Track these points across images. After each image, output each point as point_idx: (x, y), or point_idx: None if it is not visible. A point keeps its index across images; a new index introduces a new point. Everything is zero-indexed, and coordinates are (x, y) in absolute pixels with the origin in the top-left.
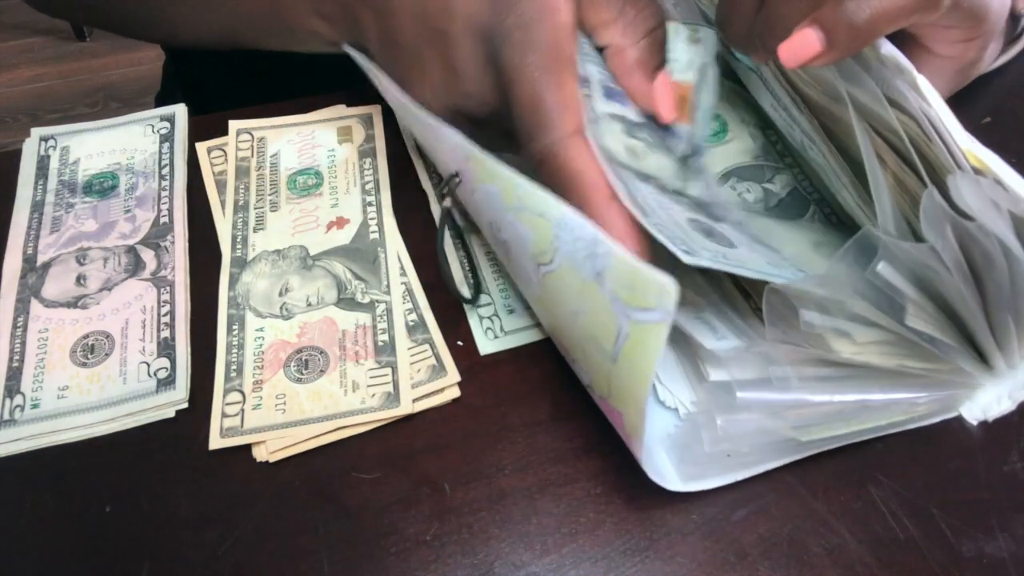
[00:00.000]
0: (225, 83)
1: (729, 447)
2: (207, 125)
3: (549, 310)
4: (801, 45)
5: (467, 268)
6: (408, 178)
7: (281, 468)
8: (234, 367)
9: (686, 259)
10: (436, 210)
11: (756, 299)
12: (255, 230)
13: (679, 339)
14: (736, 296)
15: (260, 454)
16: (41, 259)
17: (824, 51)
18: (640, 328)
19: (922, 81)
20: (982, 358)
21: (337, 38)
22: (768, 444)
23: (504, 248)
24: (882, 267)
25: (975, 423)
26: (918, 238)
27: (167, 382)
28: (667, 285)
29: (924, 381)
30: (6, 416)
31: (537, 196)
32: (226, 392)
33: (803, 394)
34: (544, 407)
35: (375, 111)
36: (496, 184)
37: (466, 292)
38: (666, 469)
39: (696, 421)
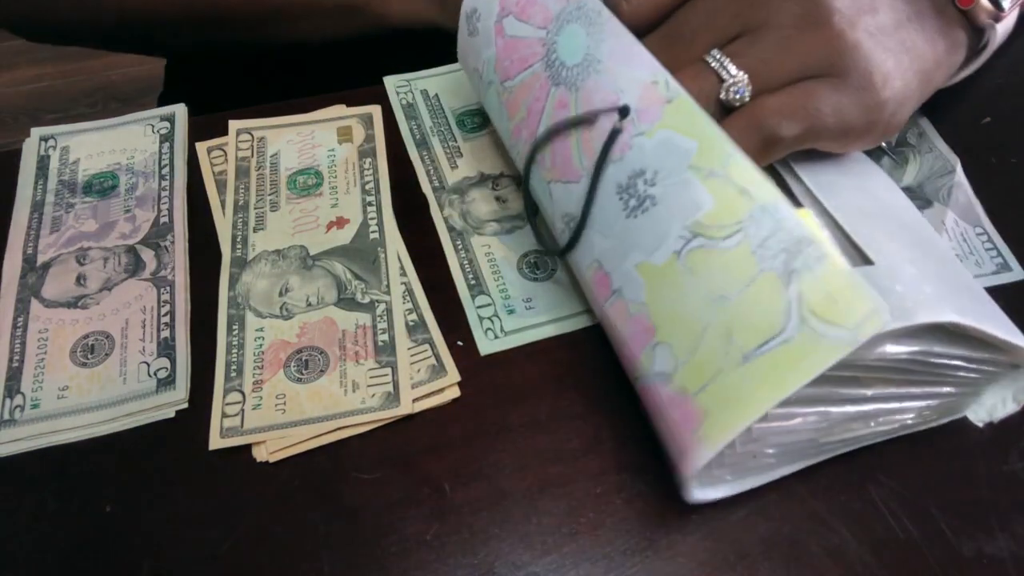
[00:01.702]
0: (226, 83)
1: (756, 448)
2: (207, 125)
3: (665, 283)
4: None
5: (467, 268)
6: (408, 178)
7: (281, 468)
8: (234, 367)
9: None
10: (436, 211)
11: None
12: (255, 230)
13: None
14: None
15: (260, 454)
16: (41, 259)
17: None
18: (812, 340)
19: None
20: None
21: None
22: (791, 446)
23: (637, 201)
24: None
25: (981, 425)
26: None
27: (167, 382)
28: (880, 312)
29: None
30: (6, 416)
31: (750, 172)
32: (226, 392)
33: (827, 407)
34: (544, 407)
35: (375, 111)
36: (695, 139)
37: (467, 298)
38: (684, 478)
39: None
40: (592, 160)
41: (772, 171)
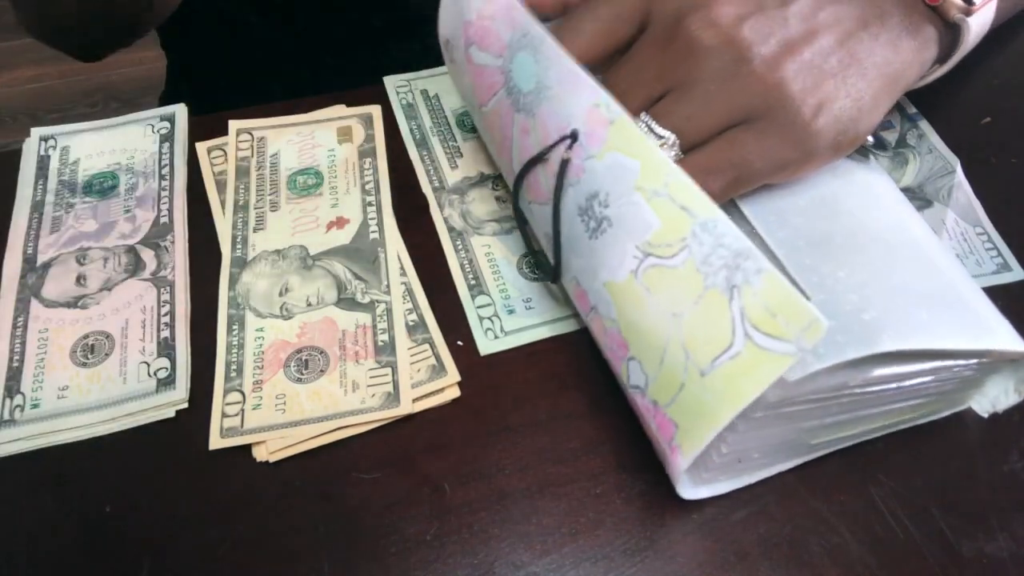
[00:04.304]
0: (226, 83)
1: (741, 452)
2: (207, 125)
3: (629, 301)
4: None
5: (467, 269)
6: (408, 178)
7: (281, 468)
8: (234, 367)
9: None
10: (436, 211)
11: None
12: (255, 230)
13: None
14: None
15: (260, 454)
16: (41, 259)
17: None
18: (759, 354)
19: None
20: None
21: None
22: (779, 447)
23: (596, 223)
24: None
25: (986, 416)
26: None
27: (167, 382)
28: (820, 321)
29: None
30: (6, 416)
31: (690, 190)
32: (226, 392)
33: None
34: (544, 407)
35: (375, 111)
36: (637, 160)
37: (467, 299)
38: (682, 480)
39: None
40: (553, 185)
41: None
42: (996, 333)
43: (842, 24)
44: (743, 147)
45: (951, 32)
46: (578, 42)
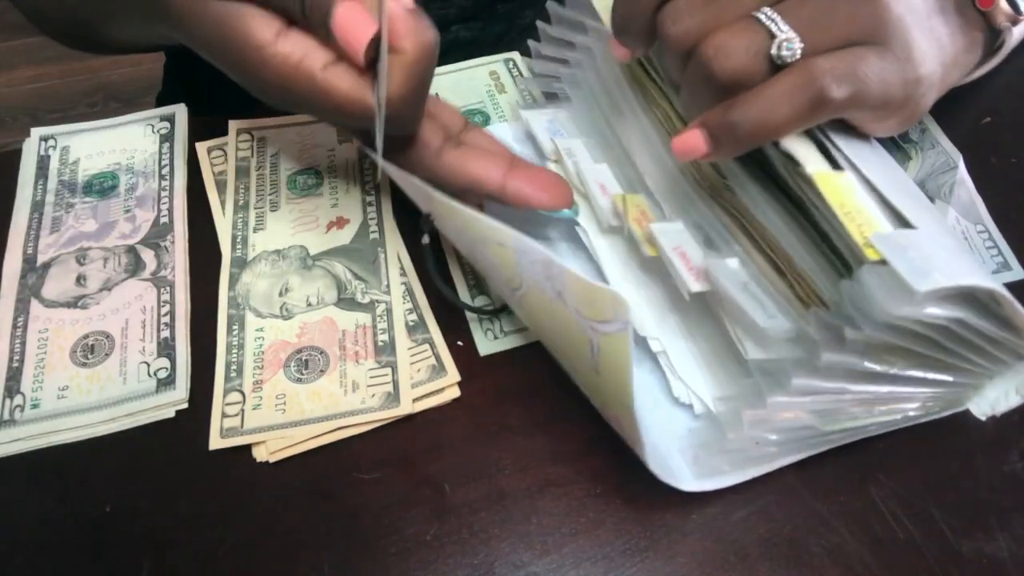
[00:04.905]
0: (226, 83)
1: (758, 434)
2: (207, 125)
3: (535, 328)
4: (689, 143)
5: (468, 269)
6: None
7: (281, 468)
8: (234, 367)
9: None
10: None
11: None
12: (255, 230)
13: (703, 321)
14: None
15: (260, 454)
16: (41, 259)
17: (709, 152)
18: (607, 339)
19: (816, 175)
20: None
21: None
22: (793, 433)
23: (486, 274)
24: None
25: (983, 418)
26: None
27: (167, 382)
28: (618, 297)
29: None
30: (6, 416)
31: (493, 227)
32: (226, 392)
33: (846, 383)
34: (544, 407)
35: None
36: (459, 220)
37: (467, 299)
38: (678, 468)
39: (721, 413)
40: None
41: (812, 136)
42: None
43: (927, 1)
44: (869, 64)
45: (993, 38)
46: None
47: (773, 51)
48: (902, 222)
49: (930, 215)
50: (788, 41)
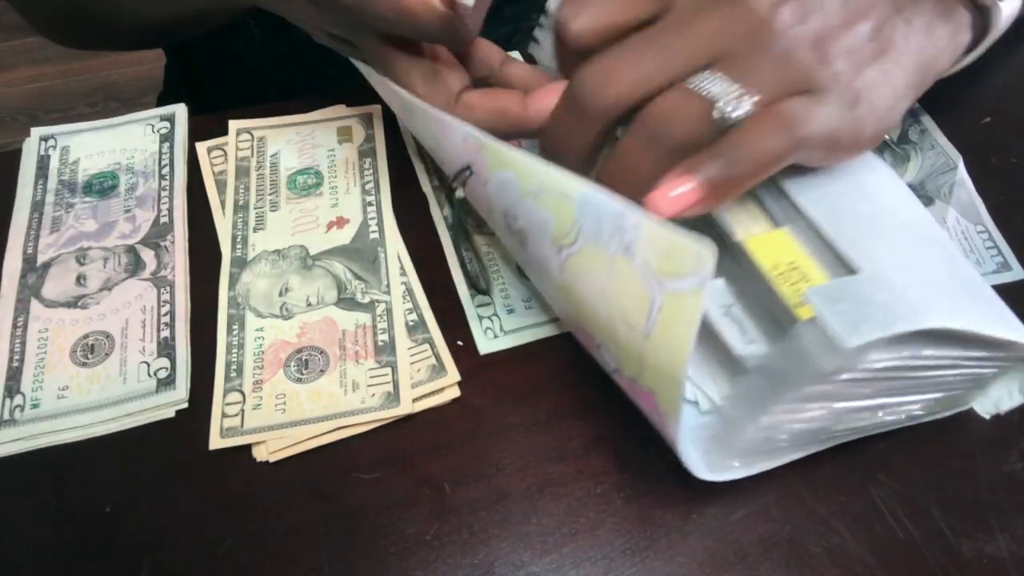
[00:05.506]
0: (226, 83)
1: (770, 433)
2: (207, 125)
3: (572, 295)
4: (678, 194)
5: (473, 264)
6: (408, 178)
7: (281, 468)
8: (234, 367)
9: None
10: (436, 211)
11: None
12: (255, 230)
13: (706, 330)
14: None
15: (260, 454)
16: (41, 259)
17: (702, 200)
18: (675, 298)
19: (747, 241)
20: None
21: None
22: (803, 434)
23: (520, 237)
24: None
25: (987, 417)
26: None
27: (167, 382)
28: (704, 250)
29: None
30: (6, 416)
31: (557, 177)
32: (226, 392)
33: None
34: (544, 407)
35: (375, 111)
36: (512, 170)
37: (481, 284)
38: (692, 459)
39: (728, 414)
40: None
41: (751, 195)
42: (1018, 329)
43: (878, 8)
44: (803, 108)
45: (983, 17)
46: (600, 10)
47: (722, 106)
48: (846, 267)
49: (893, 242)
50: (737, 98)
